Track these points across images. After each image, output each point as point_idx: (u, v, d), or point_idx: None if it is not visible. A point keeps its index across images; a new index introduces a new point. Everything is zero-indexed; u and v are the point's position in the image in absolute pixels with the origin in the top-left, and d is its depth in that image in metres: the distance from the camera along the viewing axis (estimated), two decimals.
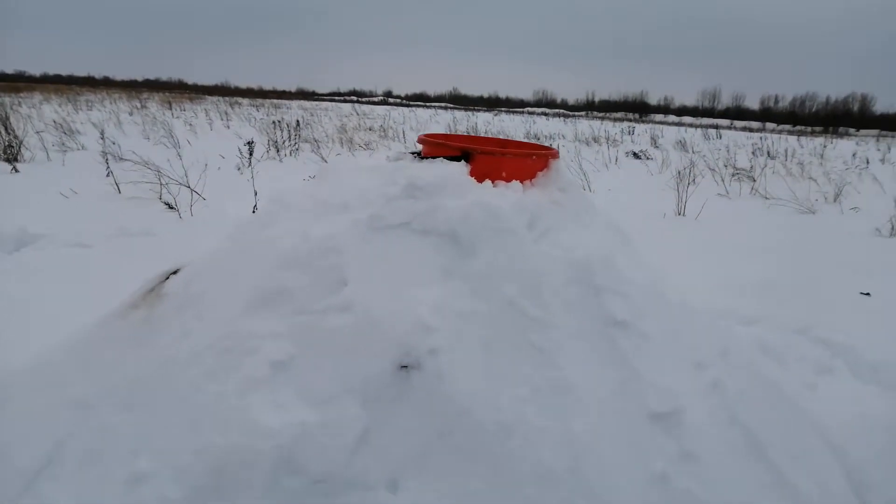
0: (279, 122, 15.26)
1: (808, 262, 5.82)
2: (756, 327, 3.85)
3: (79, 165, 9.35)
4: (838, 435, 2.19)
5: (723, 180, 10.86)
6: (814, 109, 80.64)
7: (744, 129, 44.56)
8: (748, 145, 20.89)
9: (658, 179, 11.40)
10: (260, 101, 41.89)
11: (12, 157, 8.98)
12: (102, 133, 10.45)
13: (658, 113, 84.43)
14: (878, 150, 22.45)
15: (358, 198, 2.04)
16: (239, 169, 9.59)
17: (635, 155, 16.16)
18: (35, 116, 15.54)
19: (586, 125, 29.16)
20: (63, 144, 11.20)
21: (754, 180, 10.94)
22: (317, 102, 51.65)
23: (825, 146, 21.64)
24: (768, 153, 17.30)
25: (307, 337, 1.75)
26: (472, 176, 2.16)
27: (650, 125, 38.01)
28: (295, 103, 43.41)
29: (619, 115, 64.87)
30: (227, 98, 42.31)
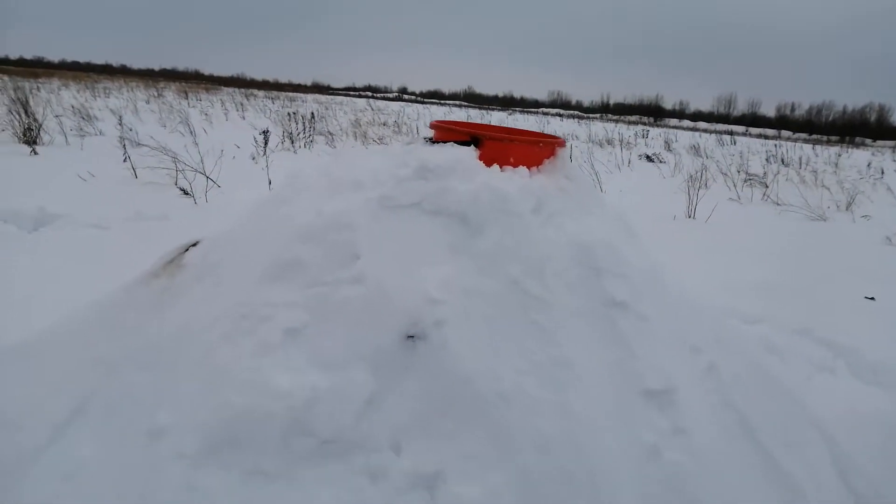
0: (294, 114, 15.38)
1: (815, 267, 5.85)
2: (759, 326, 3.91)
3: (96, 150, 9.49)
4: (831, 425, 2.25)
5: (735, 185, 10.87)
6: (830, 118, 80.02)
7: (759, 136, 44.41)
8: (762, 152, 20.81)
9: (670, 183, 11.41)
10: (275, 93, 42.11)
11: (32, 140, 9.12)
12: (121, 119, 10.62)
13: (673, 117, 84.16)
14: (894, 160, 22.30)
15: (371, 178, 2.12)
16: (254, 158, 9.71)
17: (648, 158, 16.16)
18: (54, 101, 15.73)
19: (600, 127, 29.17)
20: (81, 129, 11.36)
21: (767, 186, 10.94)
22: (332, 97, 51.88)
23: (840, 155, 21.52)
24: (782, 160, 17.23)
25: (320, 306, 1.84)
26: (481, 160, 2.24)
27: (664, 129, 37.93)
28: (310, 97, 43.63)
29: (633, 118, 64.71)
30: (242, 89, 42.52)
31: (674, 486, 1.66)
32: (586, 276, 2.00)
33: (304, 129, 13.55)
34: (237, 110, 21.82)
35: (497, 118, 31.03)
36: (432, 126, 2.51)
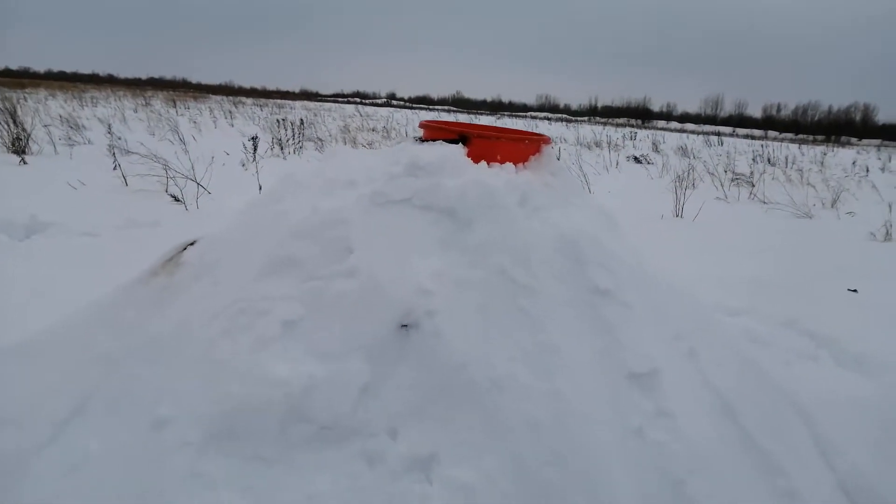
0: (283, 120, 15.41)
1: (800, 263, 5.94)
2: (743, 318, 3.98)
3: (86, 159, 9.48)
4: (812, 409, 2.32)
5: (722, 185, 10.99)
6: (816, 118, 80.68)
7: (746, 136, 44.73)
8: (749, 152, 21.02)
9: (658, 183, 11.52)
10: (263, 100, 42.11)
11: (20, 150, 9.11)
12: (110, 127, 10.64)
13: (661, 119, 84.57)
14: (879, 159, 22.56)
15: (363, 175, 2.20)
16: (243, 165, 9.73)
17: (636, 159, 16.28)
18: (42, 111, 15.69)
19: (589, 130, 29.31)
20: (69, 138, 11.35)
21: (753, 185, 11.08)
22: (320, 103, 51.91)
23: (825, 154, 21.75)
24: (769, 160, 17.43)
25: (316, 299, 1.91)
26: (469, 157, 2.31)
27: (652, 131, 38.14)
28: (298, 104, 43.63)
29: (621, 120, 65.03)
30: (230, 97, 42.51)
31: (658, 465, 1.73)
32: (571, 265, 2.08)
33: (294, 136, 13.59)
34: (226, 118, 21.82)
35: (486, 122, 31.16)
36: (422, 125, 2.59)
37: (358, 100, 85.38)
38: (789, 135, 58.38)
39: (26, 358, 2.04)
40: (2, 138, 9.33)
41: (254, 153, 8.64)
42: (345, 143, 14.94)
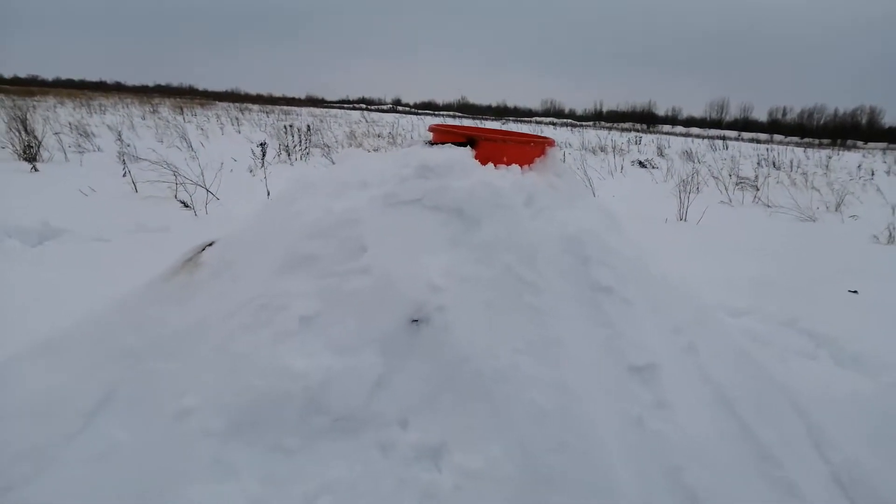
0: (290, 126, 15.54)
1: (802, 265, 6.00)
2: (745, 318, 4.05)
3: (96, 165, 9.62)
4: (808, 403, 2.39)
5: (726, 189, 11.03)
6: (822, 122, 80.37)
7: (751, 140, 44.67)
8: (754, 156, 21.02)
9: (662, 187, 11.57)
10: (270, 107, 42.36)
11: (32, 157, 9.25)
12: (120, 134, 10.78)
13: (665, 124, 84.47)
14: (885, 162, 22.55)
15: (375, 177, 2.30)
16: (251, 171, 9.85)
17: (641, 164, 16.33)
18: (51, 119, 15.87)
19: (593, 135, 29.40)
20: (79, 146, 11.49)
21: (758, 189, 11.12)
22: (326, 109, 52.14)
23: (830, 157, 21.75)
24: (773, 163, 17.45)
25: (331, 295, 2.01)
26: (476, 160, 2.41)
27: (657, 135, 38.14)
28: (304, 110, 43.89)
29: (626, 125, 64.97)
30: (237, 104, 42.75)
31: (657, 453, 1.82)
32: (574, 263, 2.17)
33: (301, 142, 13.71)
34: (232, 124, 21.98)
35: (491, 127, 31.12)
36: (431, 129, 2.69)
37: (363, 106, 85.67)
38: (795, 138, 58.25)
39: (53, 353, 2.13)
40: (13, 146, 9.47)
41: (262, 159, 8.73)
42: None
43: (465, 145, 2.47)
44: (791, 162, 18.18)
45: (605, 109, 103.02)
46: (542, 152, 2.59)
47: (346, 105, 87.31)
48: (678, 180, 10.39)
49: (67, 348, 2.12)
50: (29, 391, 1.98)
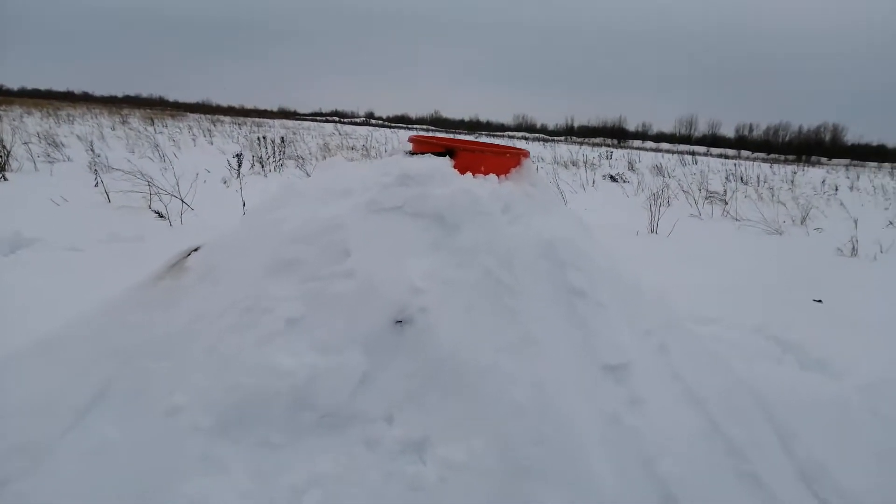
0: (263, 138, 15.50)
1: (769, 276, 6.19)
2: (713, 326, 4.18)
3: (66, 175, 9.51)
4: (774, 402, 2.51)
5: (696, 202, 11.28)
6: (787, 138, 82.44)
7: (720, 155, 45.57)
8: (722, 171, 21.47)
9: (633, 201, 11.80)
10: (242, 119, 42.10)
11: (1, 167, 9.10)
12: (92, 144, 10.67)
13: (636, 139, 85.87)
14: (848, 177, 23.20)
15: (358, 185, 2.37)
16: (225, 182, 9.82)
17: (612, 178, 16.59)
18: (20, 129, 15.62)
19: (565, 149, 29.71)
20: (49, 155, 11.34)
21: (726, 203, 11.39)
22: (298, 122, 52.02)
23: (795, 173, 22.31)
24: (741, 178, 17.86)
25: (316, 298, 2.07)
26: (455, 169, 2.49)
27: (628, 150, 38.78)
28: (277, 122, 43.72)
29: (597, 140, 65.86)
30: (208, 115, 42.43)
31: (632, 446, 1.91)
32: (550, 267, 2.26)
33: (274, 154, 13.68)
34: (205, 136, 21.82)
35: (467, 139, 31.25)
36: (411, 140, 2.77)
37: (336, 119, 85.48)
38: (761, 154, 59.61)
39: (44, 353, 2.15)
40: None
41: (238, 170, 8.72)
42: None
43: (444, 155, 2.56)
44: (758, 177, 18.61)
45: (576, 124, 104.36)
46: (517, 163, 2.69)
47: (318, 118, 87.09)
48: (649, 194, 10.60)
49: (58, 348, 2.15)
50: (21, 390, 2.01)
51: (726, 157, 44.45)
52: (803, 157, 56.25)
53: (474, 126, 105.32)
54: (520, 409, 1.88)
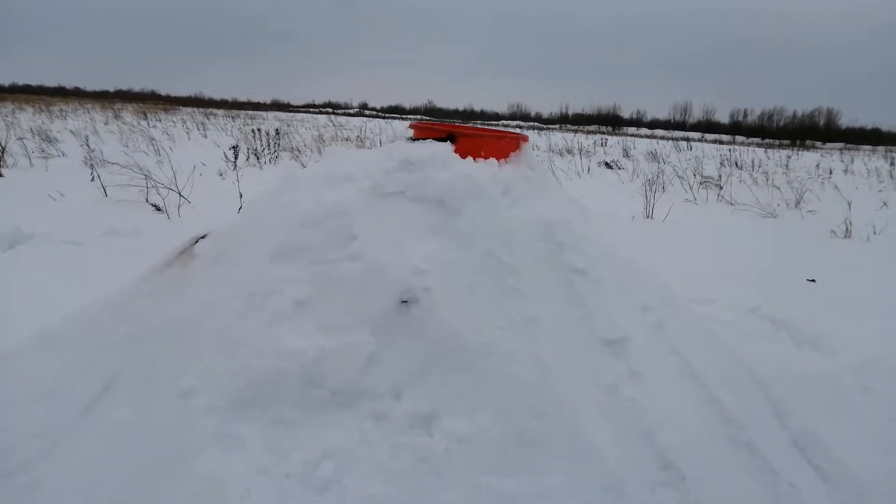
0: (258, 130, 15.49)
1: (764, 258, 6.27)
2: (709, 307, 4.24)
3: (62, 171, 9.51)
4: (768, 376, 2.59)
5: (691, 187, 11.34)
6: (781, 123, 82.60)
7: (714, 141, 45.63)
8: (717, 156, 21.53)
9: (629, 187, 11.85)
10: (235, 112, 41.91)
11: None
12: (87, 139, 10.66)
13: (631, 126, 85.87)
14: (842, 161, 23.27)
15: (361, 171, 2.43)
16: (221, 174, 9.84)
17: (607, 165, 16.62)
18: (13, 124, 15.57)
19: (560, 137, 29.70)
20: (43, 151, 11.33)
21: (721, 188, 11.47)
22: (292, 114, 51.72)
23: (790, 157, 22.38)
24: (736, 163, 17.92)
25: (323, 281, 2.14)
26: (456, 154, 2.54)
27: (622, 137, 38.76)
28: (270, 114, 43.50)
29: (592, 127, 65.73)
30: (201, 109, 42.24)
31: (631, 417, 1.99)
32: (549, 248, 2.33)
33: (269, 145, 13.69)
34: (198, 129, 21.77)
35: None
36: (412, 126, 2.83)
37: (330, 110, 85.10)
38: (756, 139, 59.69)
39: (55, 343, 2.21)
40: None
41: (234, 162, 8.74)
42: (320, 153, 15.05)
43: (445, 140, 2.61)
44: (752, 162, 18.69)
45: (570, 112, 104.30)
46: (516, 147, 2.75)
47: (312, 109, 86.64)
48: (644, 180, 10.66)
49: (69, 337, 2.21)
50: (34, 378, 2.07)
51: (721, 142, 44.49)
52: (798, 142, 56.30)
53: (469, 115, 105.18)
54: (522, 384, 1.95)
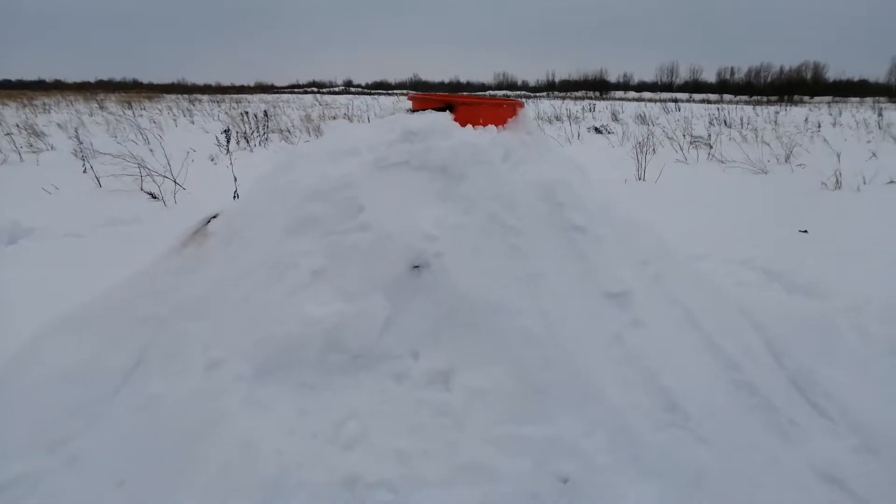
0: (246, 113, 15.42)
1: (756, 213, 6.36)
2: (703, 262, 4.34)
3: (53, 164, 9.50)
4: (763, 320, 2.69)
5: (681, 148, 11.39)
6: (769, 79, 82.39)
7: (702, 101, 45.50)
8: (705, 116, 21.50)
9: (620, 151, 11.89)
10: (220, 96, 41.51)
11: None
12: (77, 131, 10.62)
13: (618, 90, 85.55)
14: (830, 114, 23.26)
15: (364, 144, 2.51)
16: (212, 160, 9.84)
17: (597, 130, 16.62)
18: None
19: (548, 105, 29.57)
20: (31, 145, 11.28)
21: (711, 147, 11.52)
22: (277, 95, 51.36)
23: (778, 113, 22.38)
24: (725, 122, 17.93)
25: (337, 251, 2.24)
26: (456, 122, 2.61)
27: (611, 102, 38.61)
28: (256, 97, 43.17)
29: (579, 93, 65.43)
30: (185, 95, 41.79)
31: (635, 362, 2.11)
32: (550, 208, 2.43)
33: (258, 128, 13.65)
34: (184, 116, 21.61)
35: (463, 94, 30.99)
36: (411, 98, 2.90)
37: (315, 89, 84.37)
38: (744, 97, 59.64)
39: (82, 325, 2.29)
40: None
41: (227, 145, 8.75)
42: (309, 133, 15.02)
43: (444, 110, 2.68)
44: (741, 119, 18.70)
45: (557, 79, 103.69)
46: (513, 113, 2.83)
47: (297, 90, 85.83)
48: (634, 143, 10.70)
49: (94, 319, 2.29)
50: (66, 358, 2.16)
51: (709, 101, 44.39)
52: (786, 97, 56.25)
53: (455, 87, 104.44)
54: (531, 337, 2.07)
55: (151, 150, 10.00)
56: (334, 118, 19.91)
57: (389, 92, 72.97)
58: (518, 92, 77.88)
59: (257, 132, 13.38)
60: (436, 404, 1.94)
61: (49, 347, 2.20)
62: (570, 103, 32.60)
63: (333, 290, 2.14)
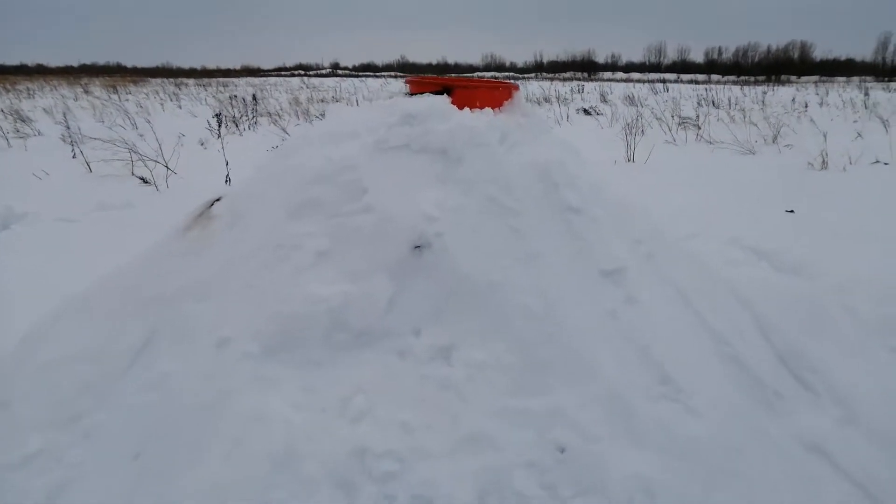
0: (234, 97, 15.35)
1: (743, 193, 6.46)
2: (692, 241, 4.41)
3: (42, 149, 9.45)
4: (751, 297, 2.78)
5: (670, 129, 11.47)
6: (756, 59, 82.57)
7: (690, 81, 45.57)
8: (694, 96, 21.59)
9: (609, 132, 11.95)
10: (206, 80, 41.08)
11: None
12: (65, 116, 10.53)
13: (606, 71, 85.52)
14: (817, 94, 23.37)
15: (364, 127, 2.56)
16: (202, 144, 9.82)
17: (586, 111, 16.64)
18: None
19: (536, 86, 29.53)
20: (18, 131, 11.18)
21: (699, 128, 11.60)
22: (264, 78, 50.92)
23: (766, 93, 22.47)
24: (713, 102, 18.00)
25: (340, 232, 2.30)
26: (453, 105, 2.65)
27: (599, 83, 38.61)
28: (242, 80, 42.79)
29: (567, 74, 65.33)
30: (171, 79, 41.34)
31: (629, 336, 2.20)
32: (546, 189, 2.50)
33: (248, 112, 13.61)
34: (171, 100, 21.43)
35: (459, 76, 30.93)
36: (408, 82, 2.95)
37: (301, 72, 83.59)
38: (731, 77, 59.75)
39: (90, 307, 2.35)
40: None
41: (219, 129, 8.73)
42: (297, 116, 14.96)
43: (441, 93, 2.73)
44: (729, 100, 18.79)
45: (545, 60, 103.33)
46: (509, 96, 2.88)
47: (284, 72, 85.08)
48: (623, 124, 10.75)
49: (102, 302, 2.34)
50: (77, 339, 2.21)
51: (697, 82, 44.46)
52: (773, 77, 56.44)
53: (443, 69, 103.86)
54: (530, 314, 2.15)
55: (141, 135, 9.96)
56: (322, 101, 19.82)
57: (377, 74, 72.49)
58: (506, 73, 77.58)
59: (246, 116, 13.33)
60: (439, 379, 2.02)
61: (60, 329, 2.26)
62: (558, 84, 32.59)
63: (338, 270, 2.20)
